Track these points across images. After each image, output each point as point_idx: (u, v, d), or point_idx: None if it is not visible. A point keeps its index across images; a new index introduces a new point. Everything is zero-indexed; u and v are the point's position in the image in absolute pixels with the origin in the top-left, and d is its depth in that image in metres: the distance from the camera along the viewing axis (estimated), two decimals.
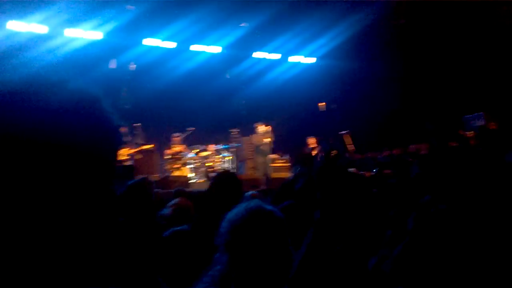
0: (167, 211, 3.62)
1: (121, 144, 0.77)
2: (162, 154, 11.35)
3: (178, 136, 11.18)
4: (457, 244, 0.91)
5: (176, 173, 10.45)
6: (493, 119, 11.02)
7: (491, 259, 0.90)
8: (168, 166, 10.78)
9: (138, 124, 11.15)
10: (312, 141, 11.59)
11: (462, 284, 0.88)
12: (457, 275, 0.88)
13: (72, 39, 11.67)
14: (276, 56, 14.49)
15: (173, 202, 3.74)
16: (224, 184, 2.98)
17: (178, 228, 2.90)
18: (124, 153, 9.98)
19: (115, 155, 0.77)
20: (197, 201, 3.75)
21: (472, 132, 10.99)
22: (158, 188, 6.19)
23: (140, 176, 3.25)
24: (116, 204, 0.74)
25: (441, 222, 0.97)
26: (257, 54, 14.26)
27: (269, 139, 11.36)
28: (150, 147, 10.36)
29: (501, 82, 11.55)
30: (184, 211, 3.58)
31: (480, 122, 11.62)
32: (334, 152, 11.10)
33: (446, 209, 1.00)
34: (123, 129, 0.79)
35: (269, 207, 1.75)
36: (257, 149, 11.33)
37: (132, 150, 10.10)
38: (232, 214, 1.71)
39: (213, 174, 6.07)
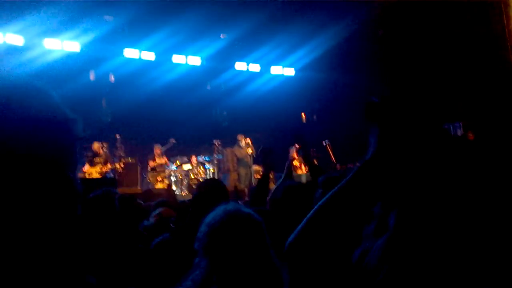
0: (150, 221, 3.62)
1: (76, 138, 0.71)
2: (144, 167, 11.18)
3: (159, 148, 11.05)
4: (441, 238, 0.89)
5: (159, 186, 10.30)
6: (471, 128, 11.29)
7: (477, 253, 0.89)
8: (151, 179, 10.63)
9: (118, 137, 10.99)
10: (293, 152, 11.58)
11: (447, 277, 0.86)
12: (442, 268, 0.86)
13: (50, 51, 11.44)
14: (256, 67, 14.54)
15: (156, 212, 3.72)
16: (210, 191, 2.95)
17: (159, 238, 2.87)
18: (106, 167, 9.81)
19: (72, 151, 0.70)
20: (180, 210, 3.75)
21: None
22: (140, 201, 6.09)
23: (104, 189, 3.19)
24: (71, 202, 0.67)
25: (424, 217, 0.95)
26: (237, 65, 14.28)
27: (250, 151, 11.34)
28: (132, 160, 10.22)
29: (481, 91, 11.86)
30: (167, 220, 3.56)
31: (459, 132, 11.90)
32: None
33: (429, 204, 0.98)
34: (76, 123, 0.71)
35: (246, 209, 1.74)
36: (240, 161, 11.30)
37: (115, 163, 9.95)
38: (209, 217, 1.70)
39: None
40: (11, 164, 0.60)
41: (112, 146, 10.47)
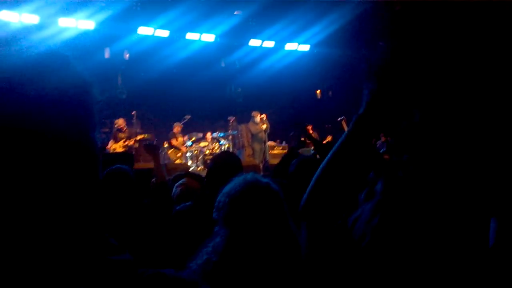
0: (175, 191, 3.67)
1: (95, 101, 0.68)
2: (160, 143, 11.31)
3: (180, 126, 11.19)
4: (427, 207, 0.89)
5: (178, 162, 10.45)
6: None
7: (462, 225, 0.88)
8: (171, 155, 10.80)
9: (134, 113, 11.11)
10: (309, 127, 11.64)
11: (430, 244, 0.86)
12: (426, 235, 0.86)
13: (65, 29, 11.51)
14: (271, 43, 14.43)
15: (180, 182, 3.77)
16: (224, 163, 3.00)
17: (181, 205, 2.96)
18: (130, 141, 9.98)
19: (92, 114, 0.67)
20: (202, 181, 3.82)
21: None
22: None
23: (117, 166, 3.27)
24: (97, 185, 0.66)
25: (411, 184, 0.94)
26: (252, 42, 14.19)
27: (265, 126, 11.35)
28: (149, 137, 10.33)
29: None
30: (191, 189, 3.61)
31: None
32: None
33: (417, 170, 0.97)
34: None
35: (265, 179, 1.76)
36: (254, 137, 11.32)
37: (131, 140, 10.06)
38: (229, 187, 1.73)
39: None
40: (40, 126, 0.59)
41: (128, 123, 10.59)
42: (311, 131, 11.71)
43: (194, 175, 4.21)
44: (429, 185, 0.95)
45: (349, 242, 1.01)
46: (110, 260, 0.61)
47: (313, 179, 1.14)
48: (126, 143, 9.98)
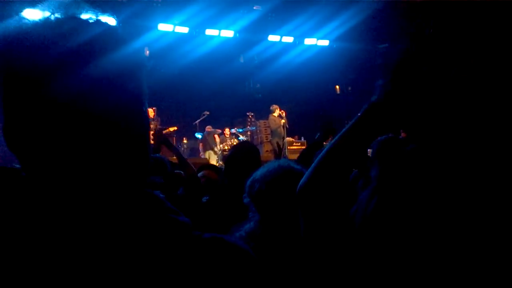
0: None
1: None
2: (179, 138, 11.43)
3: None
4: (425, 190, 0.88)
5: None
6: None
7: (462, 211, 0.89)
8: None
9: (153, 108, 11.22)
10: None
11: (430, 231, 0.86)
12: (426, 221, 0.86)
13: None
14: (290, 39, 14.36)
15: (200, 174, 3.80)
16: (243, 151, 3.03)
17: (206, 197, 3.02)
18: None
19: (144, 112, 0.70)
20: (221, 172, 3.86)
21: None
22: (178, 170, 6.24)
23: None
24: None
25: (406, 168, 0.94)
26: (270, 38, 14.15)
27: (284, 122, 11.33)
28: (173, 129, 10.31)
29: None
30: (211, 181, 3.65)
31: None
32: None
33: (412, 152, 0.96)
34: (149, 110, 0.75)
35: (298, 166, 1.77)
36: (273, 132, 11.32)
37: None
38: (261, 172, 1.73)
39: None
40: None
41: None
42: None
43: (213, 167, 4.25)
44: (425, 169, 0.96)
45: (350, 231, 1.02)
46: (170, 218, 0.65)
47: (315, 163, 1.14)
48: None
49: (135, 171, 0.66)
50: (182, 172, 5.13)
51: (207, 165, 4.37)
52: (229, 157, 3.14)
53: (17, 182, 0.62)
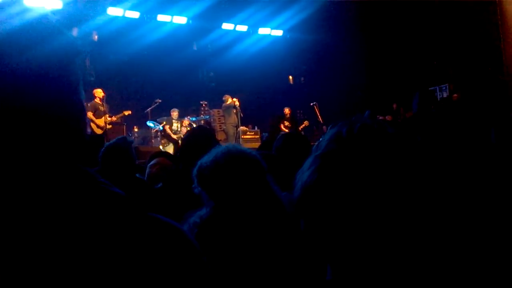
0: (148, 171, 3.61)
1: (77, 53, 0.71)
2: (129, 127, 11.10)
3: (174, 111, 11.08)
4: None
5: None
6: (457, 90, 11.33)
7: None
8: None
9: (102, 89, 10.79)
10: (287, 111, 11.79)
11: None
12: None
13: (31, 9, 11.03)
14: (244, 28, 14.30)
15: (153, 162, 3.70)
16: (198, 135, 2.99)
17: (159, 184, 2.93)
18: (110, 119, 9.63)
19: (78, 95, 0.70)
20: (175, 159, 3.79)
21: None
22: None
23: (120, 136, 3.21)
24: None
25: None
26: (224, 26, 14.02)
27: (236, 111, 11.27)
28: (128, 113, 9.96)
29: (467, 53, 11.85)
30: (165, 168, 3.57)
31: (445, 94, 11.94)
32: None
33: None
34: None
35: (240, 148, 1.77)
36: (227, 121, 11.26)
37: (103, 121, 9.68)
38: (205, 160, 1.70)
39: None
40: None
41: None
42: (288, 115, 11.85)
43: (166, 154, 4.16)
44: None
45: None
46: (101, 188, 0.67)
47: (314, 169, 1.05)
48: (111, 118, 9.63)
49: (65, 151, 0.67)
50: None
51: (159, 152, 4.28)
52: (184, 141, 3.05)
53: None
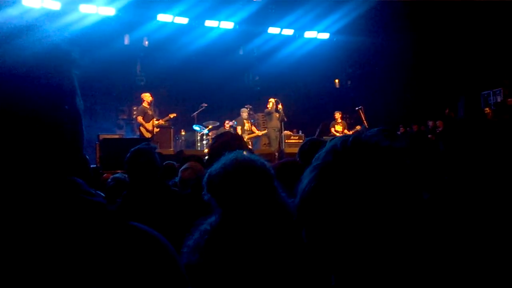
0: (179, 175, 3.69)
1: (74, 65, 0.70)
2: (177, 130, 11.40)
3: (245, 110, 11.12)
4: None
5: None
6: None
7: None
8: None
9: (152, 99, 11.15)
10: (338, 115, 11.76)
11: None
12: None
13: (86, 16, 11.61)
14: (290, 31, 14.30)
15: (184, 166, 3.77)
16: (224, 140, 3.02)
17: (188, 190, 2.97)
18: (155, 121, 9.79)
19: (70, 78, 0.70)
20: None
21: (488, 108, 10.84)
22: (173, 161, 6.25)
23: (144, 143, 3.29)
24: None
25: None
26: (270, 30, 14.10)
27: (279, 115, 11.23)
28: (173, 116, 10.14)
29: None
30: (198, 172, 3.63)
31: (498, 98, 11.45)
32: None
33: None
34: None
35: (247, 156, 1.77)
36: (270, 125, 11.27)
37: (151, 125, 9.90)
38: (218, 166, 1.73)
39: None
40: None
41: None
42: (339, 119, 11.85)
43: (198, 158, 4.22)
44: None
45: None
46: (83, 198, 0.67)
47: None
48: (159, 122, 9.80)
49: (45, 161, 0.66)
50: (174, 163, 5.10)
51: (192, 157, 4.33)
52: (211, 147, 3.11)
53: None
